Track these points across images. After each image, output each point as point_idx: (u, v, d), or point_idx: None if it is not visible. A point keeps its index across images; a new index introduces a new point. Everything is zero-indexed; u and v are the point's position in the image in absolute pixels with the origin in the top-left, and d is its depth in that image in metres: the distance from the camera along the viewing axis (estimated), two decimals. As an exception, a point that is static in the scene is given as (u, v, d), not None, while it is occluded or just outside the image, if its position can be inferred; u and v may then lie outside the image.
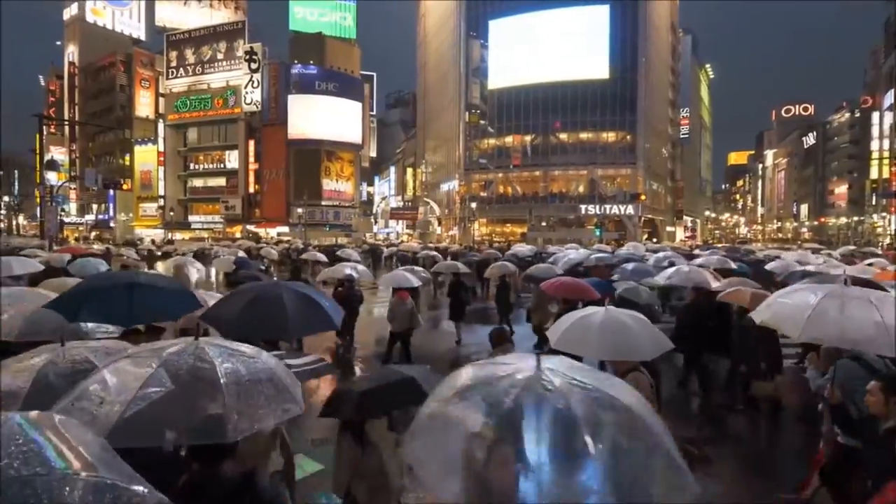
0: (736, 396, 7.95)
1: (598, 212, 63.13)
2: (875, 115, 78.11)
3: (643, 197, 65.51)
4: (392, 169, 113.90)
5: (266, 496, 2.19)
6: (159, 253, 33.20)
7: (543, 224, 67.01)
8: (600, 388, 1.60)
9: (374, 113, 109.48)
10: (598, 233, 54.20)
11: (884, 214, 72.58)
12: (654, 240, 58.77)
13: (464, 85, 73.14)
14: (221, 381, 2.11)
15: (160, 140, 76.10)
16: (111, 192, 71.41)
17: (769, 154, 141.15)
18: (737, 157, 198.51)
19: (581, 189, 69.77)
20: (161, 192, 76.09)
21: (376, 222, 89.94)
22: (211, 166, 76.14)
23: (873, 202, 77.17)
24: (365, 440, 3.51)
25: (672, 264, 12.02)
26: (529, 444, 1.48)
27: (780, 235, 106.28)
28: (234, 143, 72.69)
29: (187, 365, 2.16)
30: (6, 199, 79.34)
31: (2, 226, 74.23)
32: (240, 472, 2.16)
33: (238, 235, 63.03)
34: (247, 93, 70.52)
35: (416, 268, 13.88)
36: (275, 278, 17.09)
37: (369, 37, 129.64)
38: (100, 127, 75.33)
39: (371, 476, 3.49)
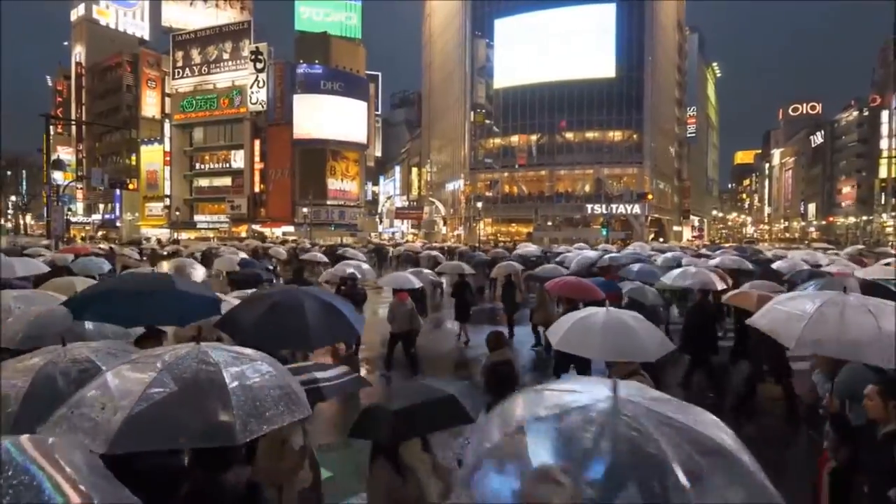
0: (744, 398, 7.88)
1: (604, 211, 62.89)
2: (884, 114, 77.63)
3: (650, 196, 65.14)
4: (397, 168, 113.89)
5: None
6: (164, 252, 33.21)
7: (549, 224, 66.89)
8: (689, 424, 1.37)
9: (379, 112, 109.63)
10: (604, 232, 54.00)
11: (893, 214, 72.08)
12: (661, 239, 58.60)
13: (469, 84, 72.91)
14: (227, 383, 2.08)
15: (166, 140, 76.48)
16: (117, 191, 71.89)
17: (776, 153, 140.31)
18: (743, 157, 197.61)
19: (587, 188, 69.49)
20: (167, 192, 76.44)
21: (381, 222, 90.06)
22: (216, 166, 76.39)
23: (882, 201, 76.62)
24: (401, 465, 3.08)
25: (679, 264, 11.94)
26: (610, 490, 1.22)
27: (788, 235, 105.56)
28: (239, 142, 72.95)
29: (191, 368, 2.13)
30: (14, 198, 79.83)
31: (9, 225, 74.69)
32: (244, 483, 2.11)
33: (244, 235, 63.11)
34: (252, 92, 70.66)
35: (424, 270, 13.79)
36: (281, 280, 17.18)
37: (375, 36, 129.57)
38: (106, 127, 75.61)
39: None
